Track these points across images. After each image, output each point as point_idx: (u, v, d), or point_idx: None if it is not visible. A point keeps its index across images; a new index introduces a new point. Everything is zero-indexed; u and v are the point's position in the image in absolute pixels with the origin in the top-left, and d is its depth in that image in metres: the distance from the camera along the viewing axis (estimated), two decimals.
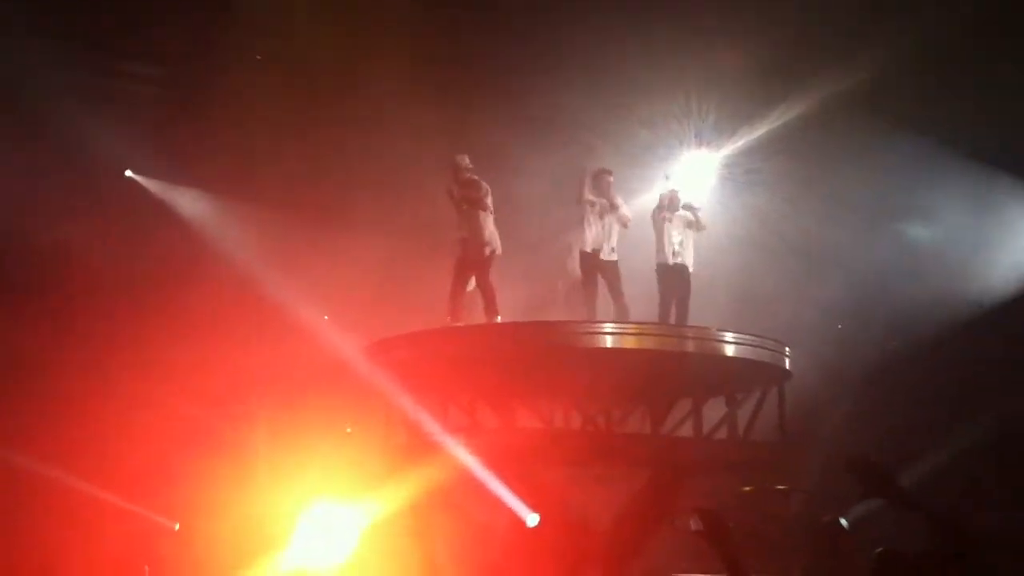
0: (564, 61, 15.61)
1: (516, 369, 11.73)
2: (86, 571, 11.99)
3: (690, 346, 12.03)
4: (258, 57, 15.90)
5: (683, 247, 13.12)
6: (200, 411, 14.63)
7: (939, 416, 15.16)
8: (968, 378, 15.25)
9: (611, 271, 13.05)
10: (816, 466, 13.70)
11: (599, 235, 13.05)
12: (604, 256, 13.02)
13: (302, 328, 14.76)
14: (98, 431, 14.17)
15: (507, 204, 13.78)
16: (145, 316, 15.06)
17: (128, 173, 16.25)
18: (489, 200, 13.04)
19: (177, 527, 13.12)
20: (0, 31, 13.95)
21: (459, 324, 12.64)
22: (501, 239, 13.08)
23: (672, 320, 12.81)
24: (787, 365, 12.47)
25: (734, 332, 12.10)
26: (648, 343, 11.98)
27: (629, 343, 11.97)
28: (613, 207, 13.13)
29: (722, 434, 12.49)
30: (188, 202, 16.58)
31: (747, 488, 13.71)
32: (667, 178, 13.58)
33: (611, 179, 13.29)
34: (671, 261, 13.05)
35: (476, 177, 13.12)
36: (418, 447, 12.22)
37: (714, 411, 12.66)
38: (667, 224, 13.17)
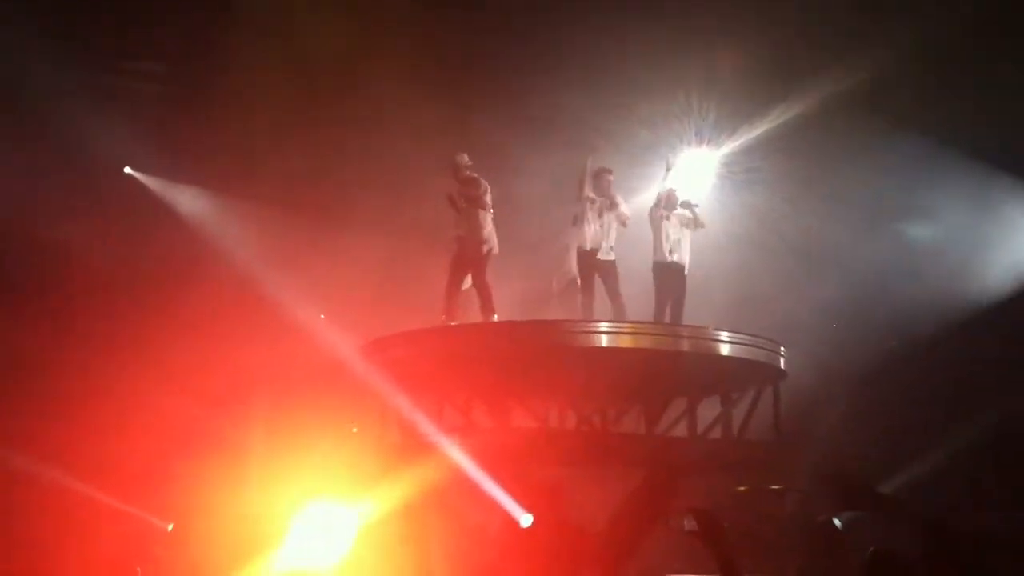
0: (564, 61, 15.65)
1: (512, 368, 11.74)
2: (79, 572, 11.99)
3: (685, 345, 12.02)
4: (265, 54, 15.89)
5: (680, 245, 13.12)
6: (197, 411, 14.66)
7: (936, 416, 15.16)
8: (966, 378, 15.26)
9: (609, 271, 13.05)
10: (811, 466, 13.69)
11: (597, 234, 13.05)
12: (602, 255, 13.02)
13: (300, 327, 14.78)
14: (95, 431, 14.21)
15: (507, 203, 13.81)
16: (145, 316, 15.12)
17: (127, 170, 16.30)
18: (488, 198, 13.04)
19: (170, 528, 13.11)
20: (0, 30, 13.99)
21: (454, 323, 12.62)
22: (501, 238, 13.10)
23: (667, 319, 12.78)
24: (782, 364, 12.46)
25: (729, 331, 12.09)
26: (644, 342, 11.98)
27: (625, 342, 11.97)
28: (613, 206, 13.12)
29: (717, 434, 12.47)
30: (188, 201, 16.63)
31: (742, 488, 13.70)
32: (668, 169, 13.51)
33: (611, 178, 13.29)
34: (668, 259, 13.04)
35: (475, 175, 13.13)
36: (413, 447, 12.24)
37: (709, 411, 12.64)
38: (664, 222, 13.16)
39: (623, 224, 13.17)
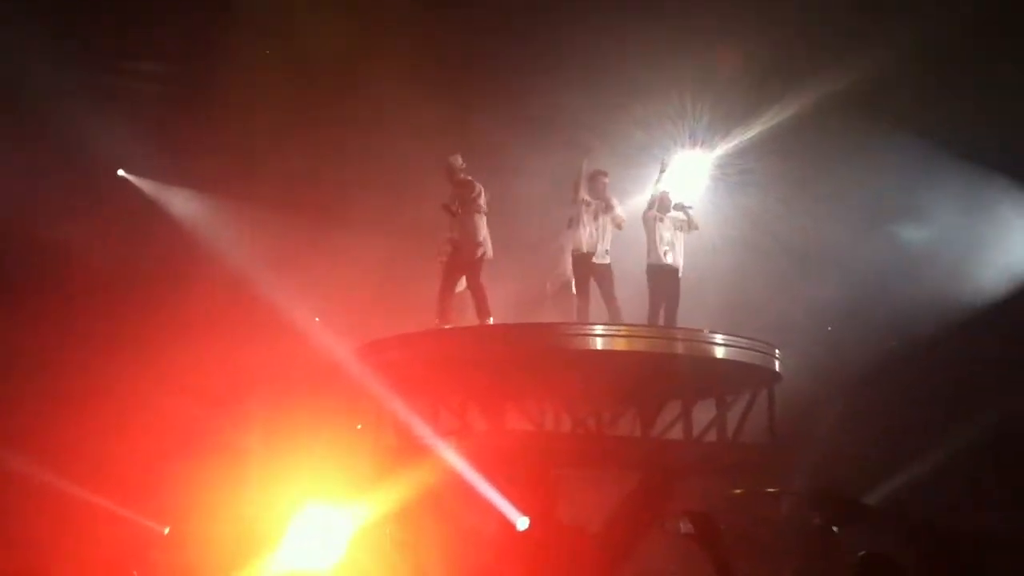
0: (563, 61, 15.67)
1: (507, 371, 11.72)
2: (75, 574, 12.03)
3: (680, 348, 11.99)
4: (267, 52, 15.94)
5: (673, 248, 13.11)
6: (195, 412, 14.71)
7: (935, 416, 15.20)
8: (963, 378, 15.30)
9: (604, 274, 13.03)
10: (807, 468, 13.73)
11: (593, 237, 13.02)
12: (598, 259, 12.99)
13: (297, 329, 14.81)
14: (92, 432, 14.26)
15: (506, 203, 13.80)
16: (144, 316, 15.18)
17: (121, 173, 16.33)
18: (483, 201, 13.02)
19: (167, 531, 13.15)
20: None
21: (448, 326, 12.63)
22: (498, 239, 13.09)
23: (661, 321, 12.80)
24: (777, 367, 12.45)
25: (724, 334, 12.08)
26: (638, 345, 11.96)
27: (619, 345, 11.95)
28: (608, 208, 13.12)
29: (712, 436, 12.48)
30: (186, 202, 16.65)
31: (737, 491, 13.72)
32: (663, 171, 13.51)
33: (607, 180, 13.28)
34: (661, 262, 13.03)
35: (470, 178, 13.11)
36: (408, 449, 12.26)
37: (704, 414, 12.65)
38: (658, 224, 13.14)
39: (619, 227, 13.17)
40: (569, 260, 13.39)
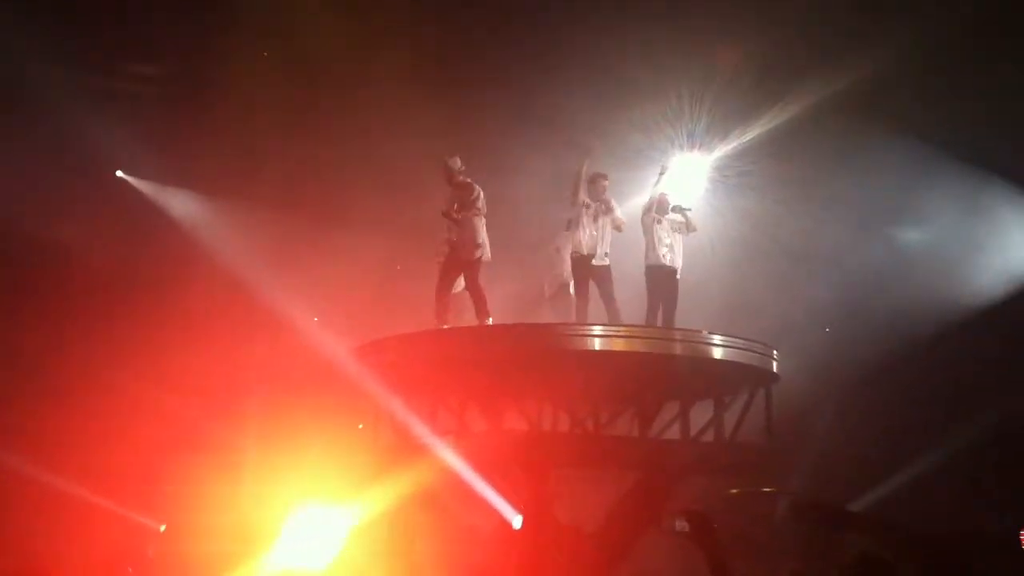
0: (563, 62, 15.66)
1: (506, 371, 11.73)
2: (71, 571, 12.01)
3: (678, 349, 12.00)
4: (266, 52, 15.94)
5: (672, 249, 13.11)
6: (193, 411, 14.70)
7: (934, 417, 15.22)
8: (963, 378, 15.32)
9: (604, 276, 13.04)
10: (804, 468, 13.73)
11: (592, 239, 13.03)
12: (597, 261, 13.00)
13: (296, 329, 14.81)
14: (91, 431, 14.28)
15: (504, 204, 13.79)
16: (143, 316, 15.18)
17: (119, 173, 16.34)
18: (481, 203, 13.01)
19: (163, 528, 13.14)
20: None
21: (446, 326, 12.63)
22: (499, 239, 13.09)
23: (659, 322, 12.80)
24: (775, 368, 12.46)
25: (722, 335, 12.09)
26: (637, 346, 11.96)
27: (618, 346, 11.96)
28: (608, 210, 13.12)
29: (709, 437, 12.48)
30: (185, 203, 16.65)
31: (734, 490, 13.71)
32: (663, 173, 13.51)
33: (606, 183, 13.28)
34: (660, 263, 13.04)
35: (468, 180, 13.10)
36: (406, 449, 12.25)
37: (702, 414, 12.65)
38: (656, 226, 13.15)
39: (618, 229, 13.17)
40: (567, 261, 13.40)
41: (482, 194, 13.00)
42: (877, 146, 15.74)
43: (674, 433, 12.61)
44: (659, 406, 12.89)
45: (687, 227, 13.26)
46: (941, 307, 15.74)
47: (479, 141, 14.57)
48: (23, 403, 14.37)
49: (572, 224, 13.24)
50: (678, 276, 13.15)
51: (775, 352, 12.52)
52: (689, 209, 13.34)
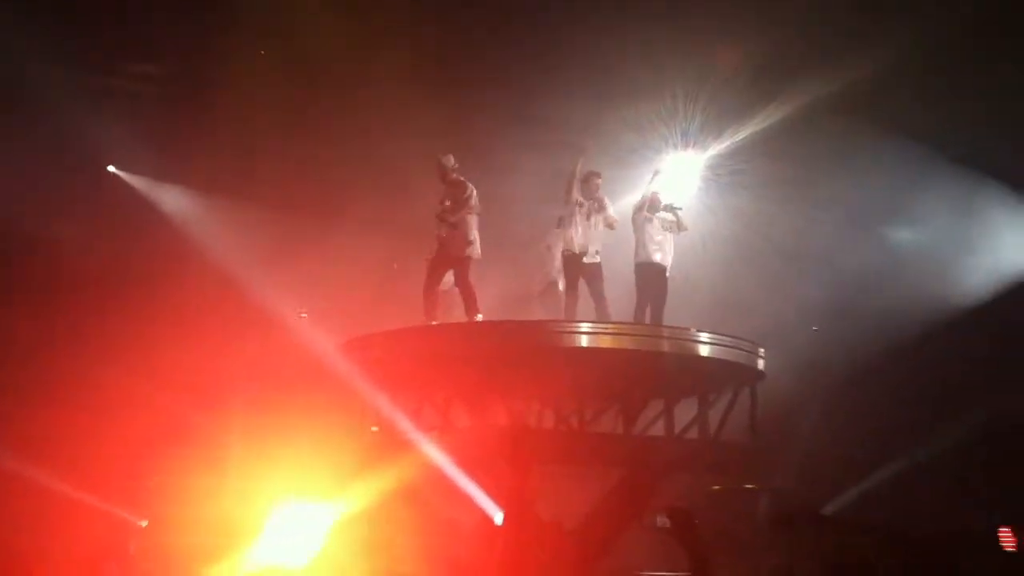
0: (558, 62, 15.67)
1: (493, 368, 11.74)
2: (52, 567, 12.04)
3: (665, 346, 12.03)
4: (262, 50, 15.97)
5: (662, 247, 13.13)
6: (182, 407, 14.73)
7: (922, 416, 15.23)
8: (951, 378, 15.33)
9: (595, 273, 13.06)
10: (788, 466, 13.74)
11: (584, 237, 13.06)
12: (588, 259, 13.03)
13: (286, 326, 14.85)
14: (80, 427, 14.30)
15: (496, 202, 13.81)
16: (134, 312, 15.21)
17: (111, 169, 16.38)
18: (474, 202, 13.03)
19: (145, 524, 13.16)
20: None
21: (435, 322, 12.66)
22: (490, 236, 13.11)
23: (647, 320, 12.81)
24: (761, 366, 12.47)
25: (709, 332, 12.10)
26: (624, 343, 11.98)
27: (606, 343, 11.98)
28: (601, 208, 13.14)
29: (693, 434, 12.49)
30: (178, 199, 16.69)
31: (716, 487, 13.72)
32: (657, 173, 13.53)
33: (600, 181, 13.30)
34: (650, 260, 13.06)
35: (462, 179, 13.13)
36: (390, 445, 12.26)
37: (687, 412, 12.66)
38: (647, 224, 13.18)
39: (611, 227, 13.19)
40: (558, 259, 13.43)
41: (475, 193, 13.04)
42: (870, 146, 15.77)
43: (658, 430, 12.62)
44: (644, 403, 12.90)
45: (678, 226, 13.29)
46: (930, 307, 15.78)
47: (473, 140, 14.58)
48: (12, 397, 14.41)
49: (564, 222, 13.27)
50: (668, 274, 13.17)
51: (761, 350, 12.53)
52: (680, 208, 13.37)
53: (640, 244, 13.16)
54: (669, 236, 13.25)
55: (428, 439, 11.82)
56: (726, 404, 12.54)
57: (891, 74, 15.14)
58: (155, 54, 16.24)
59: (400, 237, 15.95)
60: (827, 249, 16.37)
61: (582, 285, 13.06)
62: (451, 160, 13.25)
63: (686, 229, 13.38)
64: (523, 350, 11.88)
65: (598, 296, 13.03)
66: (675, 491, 12.30)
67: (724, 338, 12.16)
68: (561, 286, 13.39)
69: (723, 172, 15.91)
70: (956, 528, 12.29)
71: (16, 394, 14.47)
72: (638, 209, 13.32)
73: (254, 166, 16.35)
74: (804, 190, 16.18)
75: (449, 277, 13.11)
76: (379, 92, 15.34)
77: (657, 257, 13.08)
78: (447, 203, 13.02)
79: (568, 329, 12.10)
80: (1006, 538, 11.83)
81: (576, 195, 13.14)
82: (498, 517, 11.26)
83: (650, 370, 12.16)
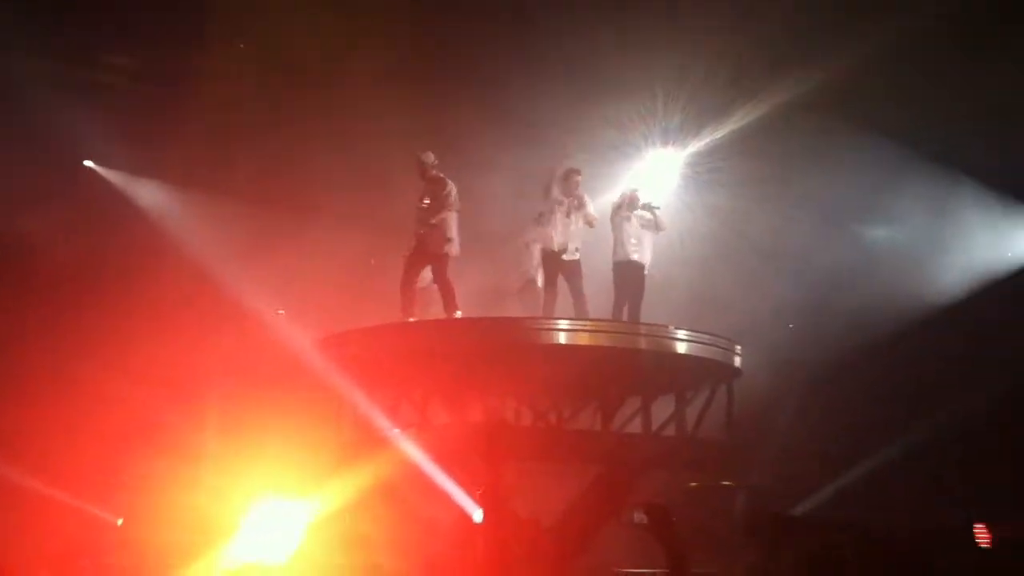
0: (537, 58, 15.65)
1: (471, 364, 11.74)
2: (25, 565, 11.96)
3: (643, 343, 12.08)
4: (240, 44, 15.89)
5: (640, 246, 13.17)
6: (157, 404, 14.64)
7: (897, 413, 15.33)
8: (926, 376, 15.43)
9: (574, 270, 13.07)
10: (765, 463, 13.79)
11: (564, 234, 13.06)
12: (567, 256, 13.04)
13: (262, 322, 14.80)
14: (53, 423, 14.19)
15: (474, 198, 13.78)
16: (109, 308, 15.11)
17: (88, 163, 16.27)
18: (454, 198, 13.02)
19: (120, 522, 13.09)
20: None
21: (412, 319, 12.64)
22: (468, 233, 13.09)
23: (625, 317, 12.84)
24: (738, 363, 12.53)
25: (686, 330, 12.15)
26: (602, 340, 12.02)
27: (583, 340, 12.01)
28: (580, 206, 13.15)
29: (671, 431, 12.53)
30: (154, 193, 16.60)
31: (694, 484, 13.78)
32: (636, 190, 13.57)
33: (579, 178, 13.30)
34: (628, 258, 13.10)
35: (442, 175, 13.11)
36: (367, 442, 12.25)
37: (664, 410, 12.71)
38: (626, 223, 13.22)
39: (590, 225, 13.20)
40: (536, 255, 13.45)
41: (455, 189, 13.02)
42: (846, 145, 15.82)
43: (636, 427, 12.66)
44: (621, 400, 12.93)
45: (656, 226, 13.32)
46: (905, 305, 15.88)
47: (452, 136, 14.55)
48: None
49: (543, 219, 13.28)
50: (646, 272, 13.21)
51: (738, 347, 12.59)
52: (659, 207, 13.40)
53: (618, 243, 13.21)
54: (647, 235, 13.30)
55: (405, 436, 11.79)
56: (703, 401, 12.61)
57: (866, 72, 15.20)
58: (132, 47, 16.07)
59: (377, 232, 15.91)
60: (803, 247, 16.46)
61: (561, 282, 13.08)
62: (431, 157, 13.23)
63: (664, 229, 13.43)
64: (501, 347, 11.90)
65: (577, 293, 13.04)
66: (652, 488, 12.34)
67: (701, 335, 12.21)
68: (540, 283, 13.41)
69: (701, 169, 15.99)
70: (931, 525, 12.36)
71: None
72: (617, 208, 13.36)
73: (231, 161, 16.25)
74: (780, 188, 16.25)
75: (426, 273, 13.10)
76: (356, 86, 15.27)
77: (635, 256, 13.13)
78: (426, 200, 12.99)
79: (546, 326, 12.13)
80: (981, 534, 11.91)
81: (556, 192, 13.15)
82: (475, 514, 11.28)
83: (627, 367, 12.20)
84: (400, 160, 14.23)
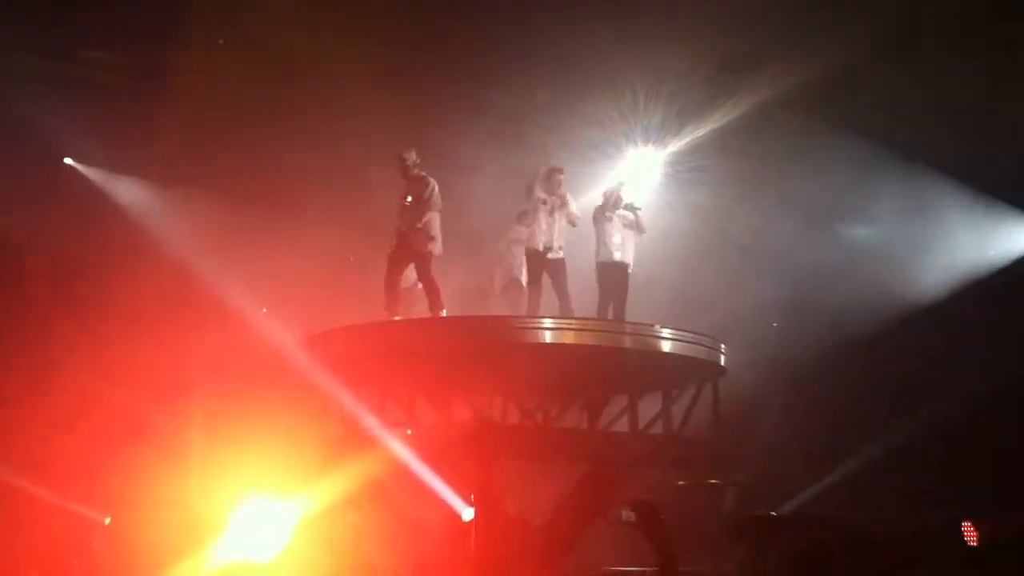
0: (519, 57, 15.64)
1: (457, 363, 11.73)
2: (13, 565, 11.87)
3: (627, 342, 12.08)
4: (221, 40, 15.80)
5: (623, 246, 13.21)
6: (137, 403, 14.54)
7: (879, 413, 15.41)
8: (907, 375, 15.53)
9: (558, 269, 13.08)
10: (751, 461, 13.84)
11: (547, 233, 13.06)
12: (552, 254, 13.05)
13: (246, 320, 14.72)
14: (35, 423, 14.08)
15: (456, 196, 13.76)
16: (90, 307, 15.03)
17: (68, 161, 16.14)
18: (436, 197, 12.98)
19: (108, 521, 12.99)
20: None
21: (397, 317, 12.60)
22: (450, 231, 13.06)
23: (610, 316, 12.87)
24: (722, 362, 12.57)
25: (671, 328, 12.16)
26: (587, 338, 12.01)
27: (568, 338, 12.02)
28: (563, 204, 13.15)
29: (657, 429, 12.56)
30: (133, 191, 16.48)
31: (681, 482, 13.81)
32: (622, 184, 13.58)
33: (562, 177, 13.31)
34: (611, 259, 13.13)
35: (423, 174, 13.07)
36: (353, 441, 12.21)
37: (651, 408, 12.73)
38: (608, 223, 13.25)
39: (573, 224, 13.22)
40: (520, 254, 13.45)
41: (437, 188, 12.98)
42: (828, 144, 15.89)
43: (622, 426, 12.67)
44: (608, 399, 12.95)
45: (637, 227, 13.35)
46: (886, 304, 15.97)
47: (434, 135, 14.52)
48: None
49: (526, 218, 13.28)
50: (629, 271, 13.24)
51: (723, 346, 12.63)
52: (640, 208, 13.43)
53: (601, 243, 13.25)
54: (630, 234, 13.34)
55: (392, 435, 11.76)
56: (689, 399, 12.63)
57: (846, 71, 15.29)
58: (113, 44, 15.97)
59: (358, 230, 15.88)
60: (785, 246, 16.52)
61: (545, 281, 13.08)
62: (413, 155, 13.17)
63: (644, 232, 13.46)
64: (486, 346, 11.89)
65: (561, 291, 13.07)
66: (640, 486, 12.34)
67: (686, 334, 12.24)
68: (524, 282, 13.41)
69: (683, 168, 16.02)
70: (914, 524, 12.45)
71: None
72: (600, 208, 13.39)
73: (211, 158, 16.16)
74: (762, 187, 16.32)
75: (410, 273, 13.06)
76: (336, 84, 15.22)
77: (618, 256, 13.18)
78: (408, 198, 12.95)
79: (532, 325, 12.13)
80: (968, 532, 12.01)
81: (538, 191, 13.15)
82: (463, 513, 11.26)
83: (613, 366, 12.21)
84: (380, 157, 14.20)
